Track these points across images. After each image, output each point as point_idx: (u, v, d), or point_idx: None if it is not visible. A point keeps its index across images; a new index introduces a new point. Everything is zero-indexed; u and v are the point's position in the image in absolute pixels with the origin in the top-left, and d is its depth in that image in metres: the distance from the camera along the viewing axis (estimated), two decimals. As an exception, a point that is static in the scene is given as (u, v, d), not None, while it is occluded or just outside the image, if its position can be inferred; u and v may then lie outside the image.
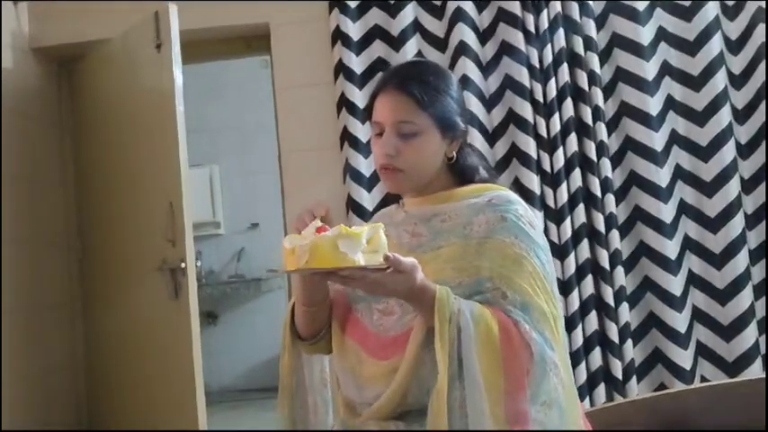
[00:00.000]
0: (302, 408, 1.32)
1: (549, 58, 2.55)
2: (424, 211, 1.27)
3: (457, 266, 1.15)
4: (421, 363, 1.12)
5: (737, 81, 2.56)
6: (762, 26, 2.49)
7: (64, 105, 3.06)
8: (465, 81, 2.55)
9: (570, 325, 2.41)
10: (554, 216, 2.50)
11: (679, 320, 2.47)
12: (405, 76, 1.24)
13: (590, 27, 2.57)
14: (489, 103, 2.61)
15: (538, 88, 2.55)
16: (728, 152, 2.50)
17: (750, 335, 2.44)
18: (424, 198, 1.28)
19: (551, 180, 2.53)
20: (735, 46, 2.56)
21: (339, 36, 2.65)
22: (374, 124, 1.25)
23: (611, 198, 2.52)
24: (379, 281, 1.04)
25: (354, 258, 1.01)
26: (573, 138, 2.52)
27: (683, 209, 2.56)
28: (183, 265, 2.43)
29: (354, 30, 2.67)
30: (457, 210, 1.24)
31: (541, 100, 2.54)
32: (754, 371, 2.42)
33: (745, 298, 2.45)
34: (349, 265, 1.01)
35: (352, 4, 2.67)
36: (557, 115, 2.53)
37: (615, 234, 2.50)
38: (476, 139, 2.53)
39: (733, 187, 2.49)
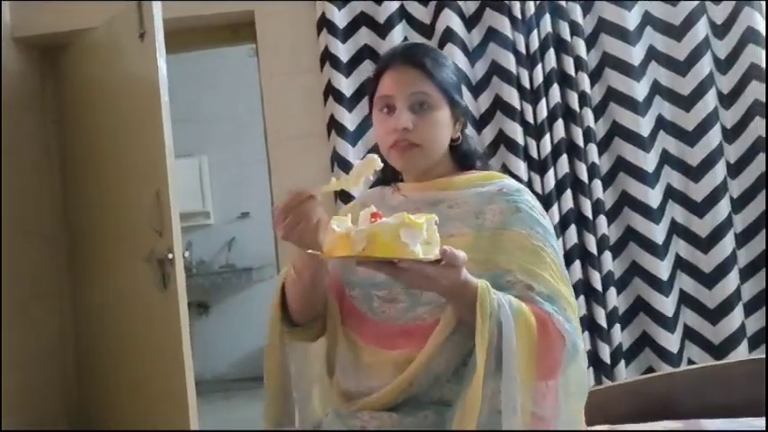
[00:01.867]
0: (289, 406, 1.28)
1: (535, 44, 2.55)
2: (426, 196, 1.24)
3: (473, 258, 1.12)
4: (438, 354, 1.11)
5: (723, 65, 2.56)
6: (746, 11, 2.49)
7: (48, 95, 3.03)
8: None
9: (558, 310, 2.42)
10: (541, 202, 2.46)
11: (666, 304, 2.48)
12: (413, 52, 1.23)
13: (576, 12, 2.56)
14: (476, 89, 2.61)
15: (524, 74, 2.54)
16: (714, 137, 2.51)
17: (736, 317, 2.46)
18: (426, 183, 1.25)
19: (539, 166, 2.53)
20: (720, 31, 2.56)
21: (325, 24, 2.64)
22: (380, 99, 1.22)
23: (598, 184, 2.52)
24: (432, 275, 0.99)
25: (414, 249, 0.95)
26: (560, 124, 2.53)
27: (670, 193, 2.57)
28: (170, 255, 2.42)
29: (340, 17, 2.65)
30: (465, 197, 1.21)
31: (528, 86, 2.54)
32: (741, 353, 2.44)
33: (732, 281, 2.47)
34: (409, 255, 0.95)
35: (338, -9, 2.65)
36: (543, 101, 2.53)
37: (603, 219, 2.51)
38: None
39: (719, 172, 2.50)
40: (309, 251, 1.06)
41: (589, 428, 1.28)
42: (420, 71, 1.20)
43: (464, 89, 2.52)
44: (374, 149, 1.28)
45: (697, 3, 2.53)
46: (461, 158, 1.28)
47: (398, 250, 0.95)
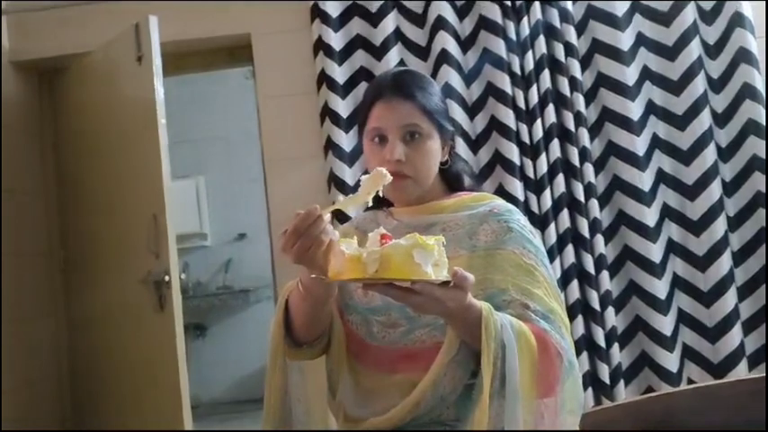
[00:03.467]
0: (289, 426, 1.27)
1: (530, 65, 2.56)
2: (419, 219, 1.25)
3: None
4: (443, 374, 1.12)
5: (716, 85, 2.57)
6: (738, 31, 2.52)
7: (46, 119, 3.04)
8: (448, 89, 2.55)
9: (557, 330, 2.41)
10: (538, 222, 2.51)
11: (665, 324, 2.48)
12: (402, 83, 1.25)
13: (570, 33, 2.59)
14: (472, 110, 2.62)
15: (520, 95, 2.56)
16: (709, 155, 2.51)
17: (735, 336, 2.45)
18: (418, 207, 1.26)
19: (535, 186, 2.54)
20: (713, 50, 2.58)
21: (321, 46, 2.65)
22: (372, 130, 1.24)
23: (594, 203, 2.53)
24: (441, 297, 1.00)
25: (427, 270, 0.95)
26: (555, 144, 2.53)
27: (667, 212, 2.57)
28: (167, 277, 2.41)
29: (336, 39, 2.67)
30: (457, 219, 1.23)
31: (524, 107, 2.56)
32: (740, 371, 2.43)
33: (730, 300, 2.46)
34: (422, 276, 0.95)
35: (334, 14, 2.67)
36: (539, 122, 2.54)
37: (600, 239, 2.51)
38: (459, 146, 2.54)
39: (715, 190, 2.50)
40: (313, 275, 1.05)
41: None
42: (410, 102, 1.22)
43: (460, 110, 2.57)
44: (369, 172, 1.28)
45: (690, 23, 2.55)
46: (451, 181, 1.30)
47: (412, 271, 0.94)
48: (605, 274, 2.50)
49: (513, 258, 1.17)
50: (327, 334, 1.26)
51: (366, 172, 1.27)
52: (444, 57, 2.59)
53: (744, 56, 2.51)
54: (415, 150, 1.21)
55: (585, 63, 2.62)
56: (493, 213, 1.22)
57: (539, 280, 1.16)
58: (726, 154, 2.56)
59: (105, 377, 2.76)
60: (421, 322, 1.15)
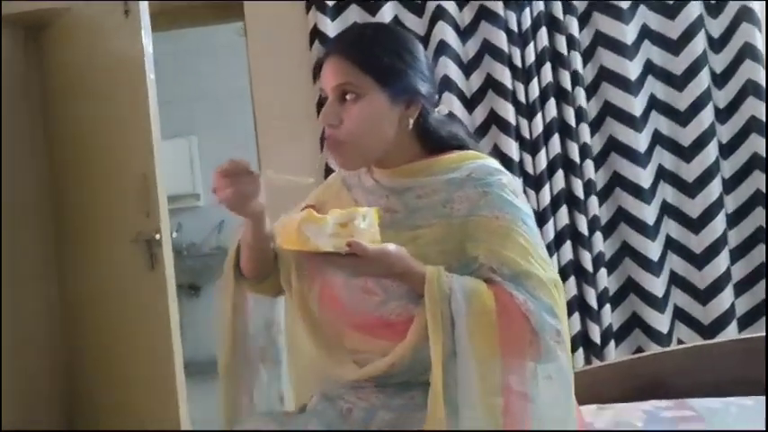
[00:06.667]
0: (245, 354, 1.30)
1: (527, 22, 2.51)
2: (395, 183, 1.19)
3: (443, 249, 1.10)
4: (424, 338, 1.07)
5: (720, 80, 2.52)
6: (744, 25, 2.46)
7: (32, 75, 2.97)
8: (442, 46, 2.50)
9: (549, 291, 2.41)
10: (533, 182, 2.49)
11: (656, 285, 2.48)
12: (345, 40, 1.21)
13: (573, 26, 2.52)
14: (467, 68, 2.57)
15: (516, 53, 2.51)
16: (707, 115, 2.48)
17: (726, 298, 2.46)
18: (393, 170, 1.20)
19: (530, 146, 2.51)
20: (717, 44, 2.52)
21: (314, 1, 2.59)
22: (321, 93, 1.21)
23: (589, 164, 2.51)
24: (356, 266, 1.04)
25: (317, 243, 1.01)
26: (552, 103, 2.50)
27: (662, 174, 2.55)
28: (158, 236, 2.40)
29: (330, -5, 2.61)
30: (434, 185, 1.16)
31: (520, 65, 2.51)
32: (730, 333, 2.45)
33: (722, 262, 2.47)
34: (310, 248, 1.01)
35: (327, -32, 2.61)
36: (535, 81, 2.50)
37: (594, 200, 2.50)
38: (454, 104, 2.51)
39: (711, 152, 2.48)
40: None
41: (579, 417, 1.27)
42: (345, 59, 1.15)
43: (455, 68, 2.52)
44: None
45: (695, 16, 2.47)
46: (429, 142, 1.21)
47: (301, 243, 1.01)
48: (598, 236, 2.49)
49: (487, 223, 1.11)
50: (273, 280, 1.28)
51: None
52: (440, 13, 2.53)
53: (748, 51, 2.45)
54: (349, 111, 1.14)
55: (588, 55, 2.56)
56: (470, 178, 1.15)
57: (515, 241, 1.10)
58: (723, 115, 2.53)
59: (97, 336, 2.76)
60: (395, 294, 1.12)
